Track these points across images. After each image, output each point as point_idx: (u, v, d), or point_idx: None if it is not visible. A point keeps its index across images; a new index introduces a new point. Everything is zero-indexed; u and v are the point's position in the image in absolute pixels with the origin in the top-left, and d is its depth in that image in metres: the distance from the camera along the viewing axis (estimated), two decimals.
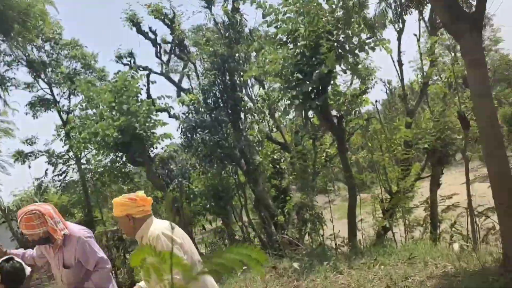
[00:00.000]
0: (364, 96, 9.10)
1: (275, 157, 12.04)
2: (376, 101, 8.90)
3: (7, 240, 10.62)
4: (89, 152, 12.39)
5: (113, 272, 3.08)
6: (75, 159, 12.10)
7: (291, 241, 8.48)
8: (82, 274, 3.39)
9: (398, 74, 9.85)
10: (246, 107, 11.13)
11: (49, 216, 3.25)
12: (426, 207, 9.32)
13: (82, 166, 12.22)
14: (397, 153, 9.04)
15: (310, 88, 7.59)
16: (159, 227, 2.93)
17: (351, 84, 10.19)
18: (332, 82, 8.06)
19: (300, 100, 7.86)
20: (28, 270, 3.11)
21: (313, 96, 7.86)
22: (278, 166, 11.86)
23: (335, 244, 8.37)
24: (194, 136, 10.20)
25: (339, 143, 8.55)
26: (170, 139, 10.81)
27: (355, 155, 11.38)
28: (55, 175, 12.04)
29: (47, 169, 11.80)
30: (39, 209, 3.20)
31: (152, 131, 10.67)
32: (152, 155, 10.88)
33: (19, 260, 3.14)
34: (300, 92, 7.49)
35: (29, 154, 12.48)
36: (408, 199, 9.23)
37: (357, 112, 9.66)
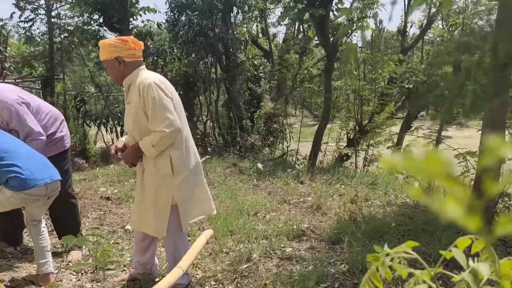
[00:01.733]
0: (365, 20, 8.72)
1: (255, 62, 11.66)
2: (379, 22, 8.53)
3: None
4: (61, 6, 11.41)
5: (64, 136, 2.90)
6: (45, 8, 11.09)
7: (254, 146, 8.46)
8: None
9: (404, 6, 9.42)
10: (240, 1, 10.44)
11: None
12: (390, 146, 9.49)
13: (52, 20, 11.27)
14: (380, 87, 8.93)
15: None
16: (151, 76, 2.67)
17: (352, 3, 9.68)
18: None
19: (304, 5, 7.40)
20: None
21: (317, 5, 7.41)
22: (256, 72, 11.52)
23: (296, 159, 8.44)
24: (181, 17, 9.53)
25: (328, 61, 8.29)
26: (155, 13, 10.07)
27: (335, 82, 11.21)
28: (21, 21, 11.04)
29: (13, 12, 10.80)
30: None
31: None
32: (130, 26, 10.18)
33: None
34: None
35: None
36: (376, 134, 9.34)
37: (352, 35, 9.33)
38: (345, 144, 9.11)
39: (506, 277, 0.80)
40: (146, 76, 2.66)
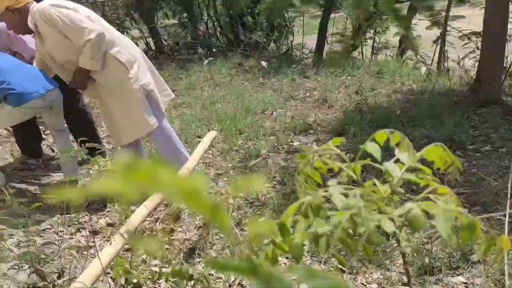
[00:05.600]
0: None
1: None
2: None
3: None
4: None
5: None
6: None
7: (258, 43, 8.28)
8: None
9: None
10: None
11: None
12: (398, 33, 9.20)
13: None
14: None
15: None
16: (43, 3, 2.62)
17: None
18: None
19: None
20: None
21: None
22: None
23: (302, 53, 8.30)
24: None
25: None
26: None
27: None
28: None
29: None
30: None
31: None
32: None
33: None
34: None
35: None
36: (383, 20, 9.00)
37: None
38: (351, 34, 8.85)
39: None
40: (39, 6, 2.62)
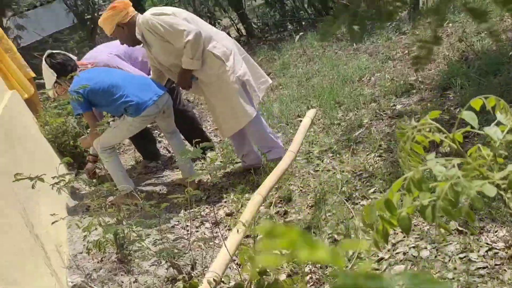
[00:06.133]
0: None
1: None
2: None
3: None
4: None
5: None
6: None
7: (347, 6, 7.96)
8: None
9: None
10: None
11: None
12: None
13: None
14: None
15: None
16: (145, 14, 2.90)
17: None
18: None
19: None
20: (75, 58, 3.28)
21: None
22: None
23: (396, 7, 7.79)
24: None
25: None
26: None
27: None
28: None
29: None
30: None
31: None
32: None
33: (60, 51, 3.26)
34: None
35: None
36: None
37: None
38: None
39: None
40: (143, 18, 2.87)
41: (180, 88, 3.28)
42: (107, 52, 3.45)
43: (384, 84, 4.12)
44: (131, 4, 2.97)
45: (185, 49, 2.80)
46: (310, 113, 2.97)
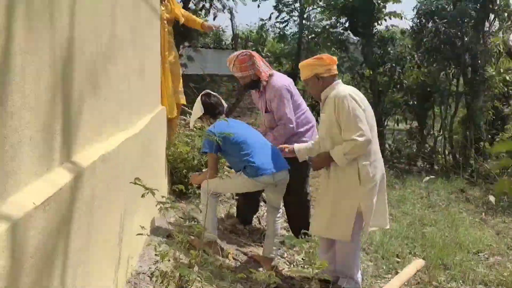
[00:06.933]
0: None
1: (507, 77, 10.26)
2: None
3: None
4: (313, 9, 12.35)
5: None
6: (299, 11, 12.24)
7: (490, 173, 7.54)
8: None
9: None
10: (500, 7, 9.30)
11: (258, 59, 3.52)
12: None
13: (303, 21, 12.37)
14: None
15: None
16: (346, 89, 2.88)
17: None
18: None
19: None
20: (225, 104, 3.48)
21: None
22: (506, 89, 10.14)
23: None
24: (428, 23, 9.13)
25: None
26: (400, 18, 9.89)
27: None
28: (277, 22, 12.47)
29: (272, 13, 12.24)
30: (249, 52, 3.53)
31: (383, 3, 9.94)
32: (374, 30, 10.30)
33: (216, 94, 3.45)
34: None
35: None
36: None
37: None
38: None
39: None
40: (342, 89, 2.86)
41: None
42: (288, 83, 3.59)
43: (502, 272, 3.68)
44: (336, 62, 2.99)
45: (346, 142, 2.74)
46: (418, 264, 2.75)
